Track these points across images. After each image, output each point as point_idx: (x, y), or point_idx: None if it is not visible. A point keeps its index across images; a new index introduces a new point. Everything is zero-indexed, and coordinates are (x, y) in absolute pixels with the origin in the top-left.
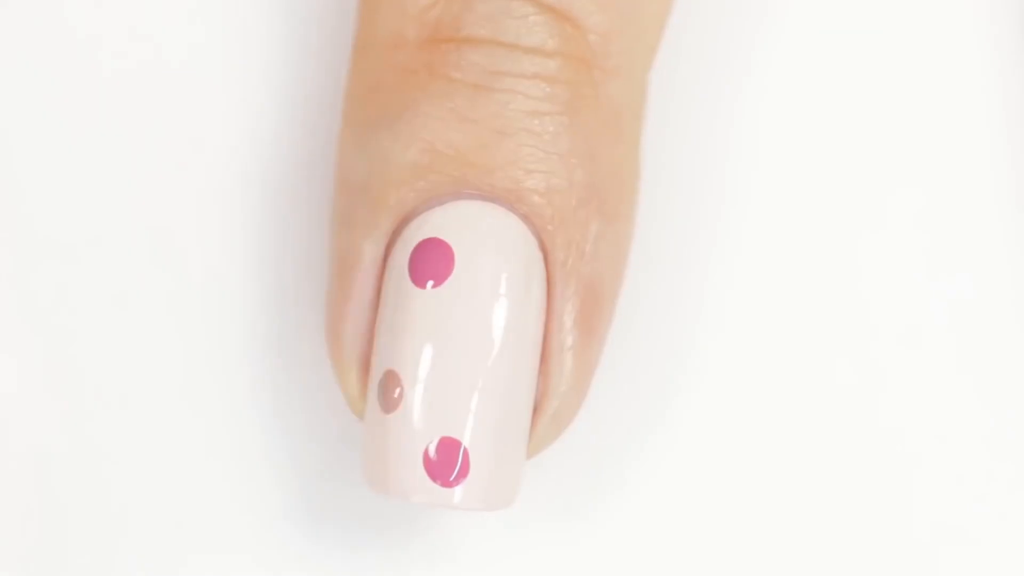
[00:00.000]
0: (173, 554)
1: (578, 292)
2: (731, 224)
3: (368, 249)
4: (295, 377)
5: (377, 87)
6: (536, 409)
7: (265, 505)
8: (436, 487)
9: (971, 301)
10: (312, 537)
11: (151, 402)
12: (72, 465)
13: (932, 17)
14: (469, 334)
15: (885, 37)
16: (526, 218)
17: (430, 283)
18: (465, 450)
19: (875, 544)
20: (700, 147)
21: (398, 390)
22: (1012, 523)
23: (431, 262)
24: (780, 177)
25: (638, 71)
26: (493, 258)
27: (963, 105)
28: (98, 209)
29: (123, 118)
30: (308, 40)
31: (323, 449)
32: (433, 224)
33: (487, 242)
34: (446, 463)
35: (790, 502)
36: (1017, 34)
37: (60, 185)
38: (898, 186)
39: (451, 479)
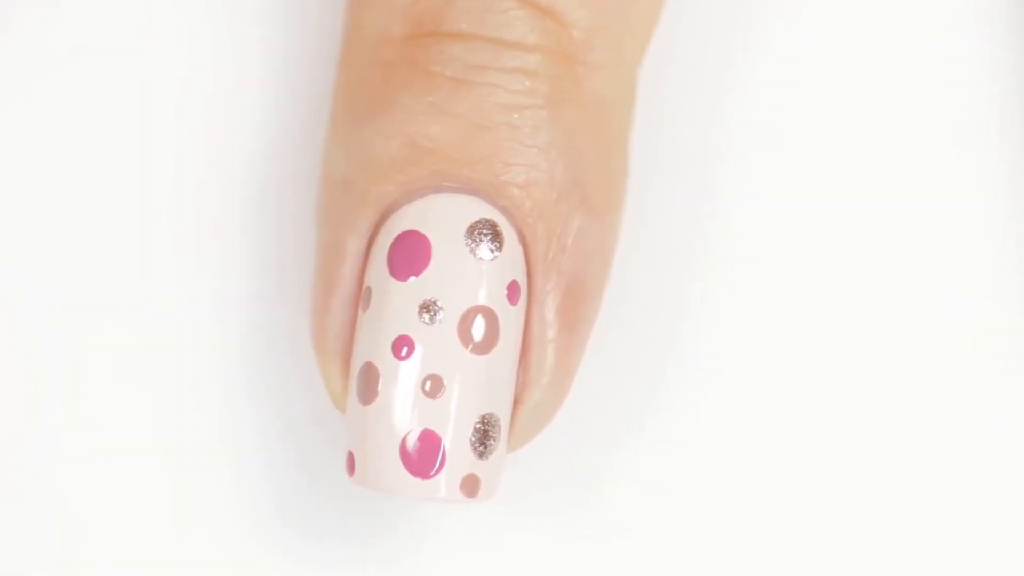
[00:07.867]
0: (157, 544)
1: (560, 285)
2: (723, 222)
3: (351, 243)
4: (284, 371)
5: (362, 83)
6: (517, 401)
7: (251, 499)
8: (413, 480)
9: (958, 300)
10: (297, 531)
11: (138, 396)
12: (55, 455)
13: (926, 14)
14: (447, 327)
15: (884, 36)
16: (505, 211)
17: (412, 277)
18: (442, 443)
19: (859, 545)
20: (691, 144)
21: (376, 383)
22: (1012, 528)
23: (409, 255)
24: (772, 176)
25: (626, 67)
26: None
27: (954, 105)
28: (86, 206)
29: (113, 119)
30: (300, 39)
31: (308, 443)
32: (412, 217)
33: (465, 235)
34: (423, 456)
35: (775, 500)
36: (1013, 35)
37: (51, 184)
38: (890, 186)
39: (428, 472)
